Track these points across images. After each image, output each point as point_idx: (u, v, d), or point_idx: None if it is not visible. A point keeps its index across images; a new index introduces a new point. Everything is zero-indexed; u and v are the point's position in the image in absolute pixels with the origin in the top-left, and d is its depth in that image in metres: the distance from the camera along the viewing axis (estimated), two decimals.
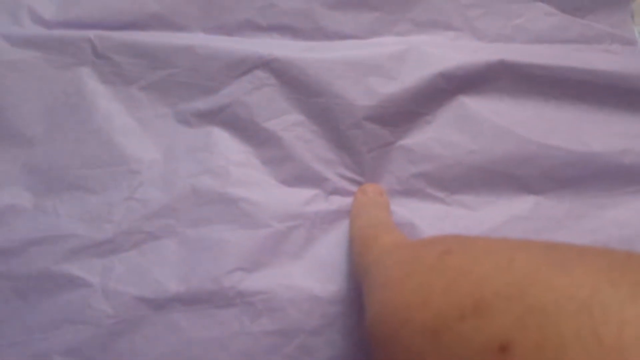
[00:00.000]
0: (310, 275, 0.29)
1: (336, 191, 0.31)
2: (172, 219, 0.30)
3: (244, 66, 0.32)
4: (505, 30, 0.34)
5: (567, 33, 0.34)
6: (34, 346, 0.28)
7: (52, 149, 0.31)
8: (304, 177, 0.31)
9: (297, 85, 0.32)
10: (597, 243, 0.30)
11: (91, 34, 0.32)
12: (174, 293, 0.29)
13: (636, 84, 0.31)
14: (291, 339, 0.28)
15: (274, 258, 0.29)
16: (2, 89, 0.31)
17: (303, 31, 0.34)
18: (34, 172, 0.31)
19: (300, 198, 0.31)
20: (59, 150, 0.31)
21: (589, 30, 0.34)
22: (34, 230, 0.30)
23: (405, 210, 0.31)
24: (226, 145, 0.31)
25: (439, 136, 0.31)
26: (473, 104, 0.31)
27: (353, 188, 0.31)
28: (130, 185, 0.31)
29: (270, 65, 0.32)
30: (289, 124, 0.31)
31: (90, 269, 0.29)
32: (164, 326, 0.28)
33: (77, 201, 0.30)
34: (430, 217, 0.31)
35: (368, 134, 0.31)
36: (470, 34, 0.34)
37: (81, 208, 0.30)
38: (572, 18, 0.34)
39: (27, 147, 0.31)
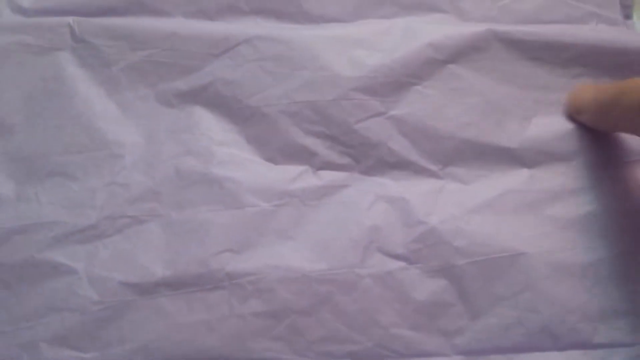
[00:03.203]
0: (300, 254, 0.29)
1: (325, 166, 0.30)
2: (155, 203, 0.29)
3: (226, 44, 0.31)
4: (491, 12, 0.34)
5: (553, 14, 0.34)
6: (20, 335, 0.28)
7: (32, 136, 0.31)
8: (290, 153, 0.30)
9: (280, 59, 0.31)
10: (594, 215, 0.29)
11: (70, 19, 0.32)
12: (160, 277, 0.28)
13: (626, 54, 0.31)
14: (281, 319, 0.28)
15: (262, 238, 0.29)
16: None
17: (287, 14, 0.34)
18: (15, 161, 0.30)
19: (287, 175, 0.30)
20: (39, 138, 0.31)
21: (575, 10, 0.34)
22: (17, 219, 0.29)
23: (397, 184, 0.30)
24: (209, 125, 0.31)
25: (431, 107, 0.31)
26: (464, 74, 0.31)
27: (343, 161, 0.31)
28: (112, 170, 0.30)
29: (252, 42, 0.31)
30: (273, 99, 0.31)
31: (75, 256, 0.29)
32: (151, 311, 0.28)
33: (59, 188, 0.30)
34: (423, 192, 0.30)
35: (356, 105, 0.30)
36: (456, 16, 0.34)
37: (63, 195, 0.30)
38: None
39: (7, 136, 0.31)
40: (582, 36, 0.31)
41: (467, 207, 0.30)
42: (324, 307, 0.28)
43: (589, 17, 0.34)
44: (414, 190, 0.30)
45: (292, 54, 0.31)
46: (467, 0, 0.34)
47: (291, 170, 0.30)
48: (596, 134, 0.30)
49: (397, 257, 0.29)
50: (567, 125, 0.31)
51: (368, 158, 0.31)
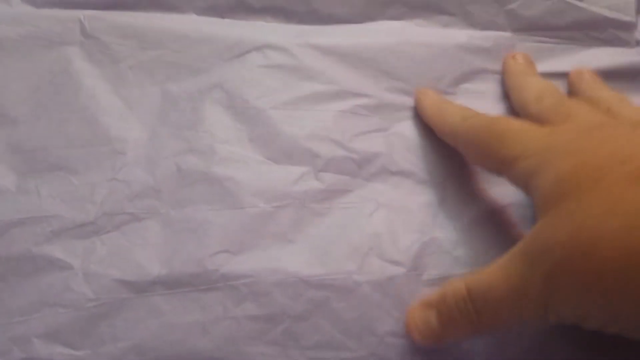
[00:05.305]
0: (298, 258, 0.28)
1: (327, 168, 0.30)
2: (155, 200, 0.29)
3: (236, 50, 0.32)
4: (498, 17, 0.34)
5: (561, 19, 0.33)
6: (13, 329, 0.28)
7: (36, 128, 0.30)
8: (292, 154, 0.30)
9: (289, 69, 0.32)
10: None
11: (80, 14, 0.32)
12: (156, 276, 0.28)
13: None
14: (276, 324, 0.27)
15: (260, 240, 0.28)
16: None
17: (296, 13, 0.34)
18: (17, 152, 0.30)
19: (288, 176, 0.30)
20: (43, 130, 0.30)
21: (584, 15, 0.33)
22: (16, 212, 0.29)
23: (398, 192, 0.30)
24: (212, 122, 0.31)
25: None
26: (473, 88, 0.33)
27: (345, 166, 0.30)
28: (113, 165, 0.30)
29: (262, 50, 0.32)
30: (280, 103, 0.31)
31: (72, 251, 0.28)
32: (145, 310, 0.28)
33: (59, 181, 0.30)
34: (424, 202, 0.30)
35: (362, 118, 0.31)
36: (463, 19, 0.34)
37: (63, 188, 0.30)
38: (568, 2, 0.34)
39: (11, 127, 0.31)
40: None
41: (468, 218, 0.30)
42: (320, 312, 0.27)
43: (597, 23, 0.33)
44: (415, 200, 0.30)
45: (301, 66, 0.32)
46: (475, 4, 0.34)
47: (293, 171, 0.30)
48: None
49: (396, 263, 0.28)
50: None
51: (371, 164, 0.31)
